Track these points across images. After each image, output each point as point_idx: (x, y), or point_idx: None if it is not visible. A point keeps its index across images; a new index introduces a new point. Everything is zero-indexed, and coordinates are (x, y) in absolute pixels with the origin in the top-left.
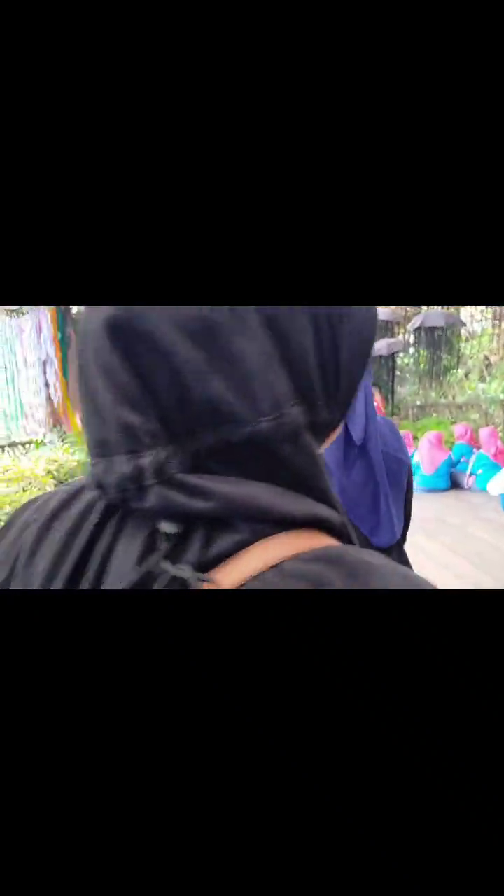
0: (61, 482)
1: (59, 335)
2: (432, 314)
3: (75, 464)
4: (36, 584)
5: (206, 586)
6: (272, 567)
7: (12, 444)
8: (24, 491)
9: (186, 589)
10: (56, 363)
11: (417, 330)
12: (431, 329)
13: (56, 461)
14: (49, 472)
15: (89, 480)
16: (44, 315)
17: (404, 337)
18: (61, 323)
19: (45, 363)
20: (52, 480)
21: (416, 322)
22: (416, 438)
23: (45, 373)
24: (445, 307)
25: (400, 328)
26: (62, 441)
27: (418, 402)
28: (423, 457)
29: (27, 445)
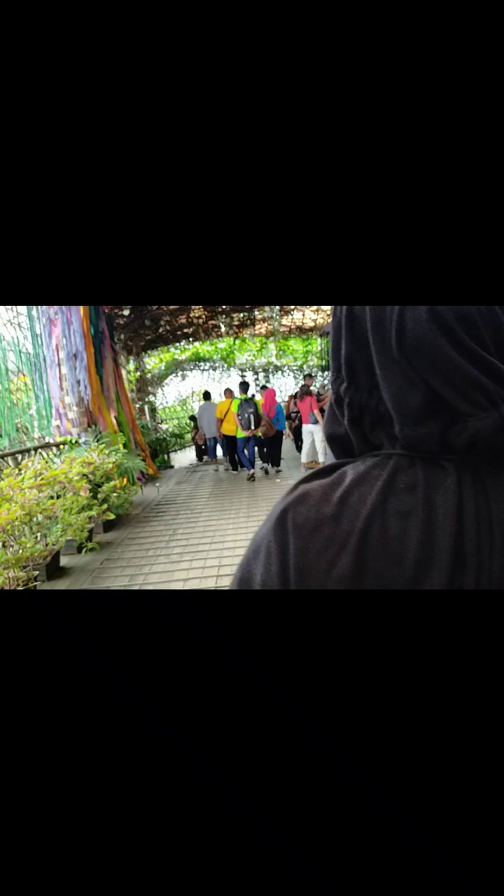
0: (98, 485)
1: (92, 330)
2: None
3: (111, 465)
4: (409, 553)
5: None
6: None
7: (45, 446)
8: (59, 497)
9: None
10: (86, 358)
11: None
12: None
13: (91, 463)
14: (84, 475)
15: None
16: (74, 307)
17: None
18: (94, 317)
19: (74, 358)
20: (86, 485)
21: None
22: None
23: (74, 369)
24: None
25: None
26: (97, 441)
27: None
28: None
29: (61, 447)
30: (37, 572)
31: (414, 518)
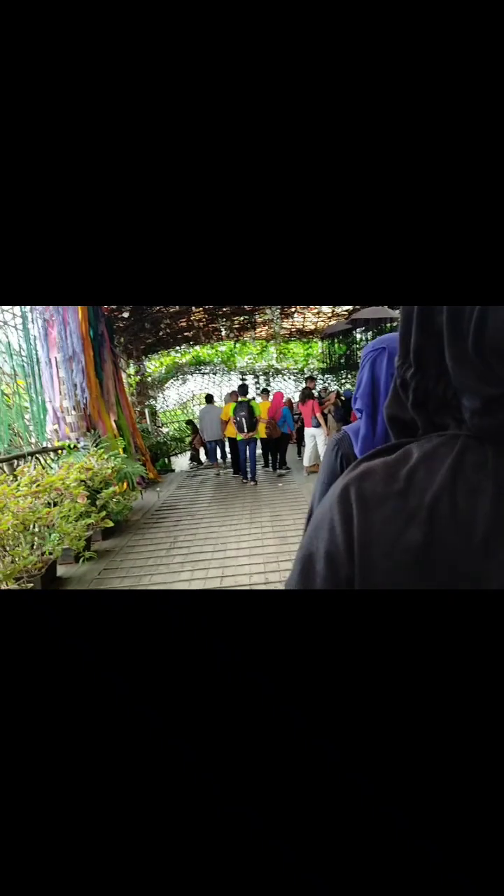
0: (96, 491)
1: (91, 332)
2: None
3: (110, 471)
4: (478, 528)
5: None
6: None
7: (42, 451)
8: (55, 505)
9: None
10: (84, 361)
11: None
12: None
13: (90, 468)
14: (82, 481)
15: None
16: (71, 308)
17: None
18: (93, 319)
19: (71, 360)
20: (84, 491)
21: None
22: None
23: (71, 372)
24: None
25: None
26: (96, 446)
27: None
28: None
29: (59, 452)
30: (31, 584)
31: (483, 495)
